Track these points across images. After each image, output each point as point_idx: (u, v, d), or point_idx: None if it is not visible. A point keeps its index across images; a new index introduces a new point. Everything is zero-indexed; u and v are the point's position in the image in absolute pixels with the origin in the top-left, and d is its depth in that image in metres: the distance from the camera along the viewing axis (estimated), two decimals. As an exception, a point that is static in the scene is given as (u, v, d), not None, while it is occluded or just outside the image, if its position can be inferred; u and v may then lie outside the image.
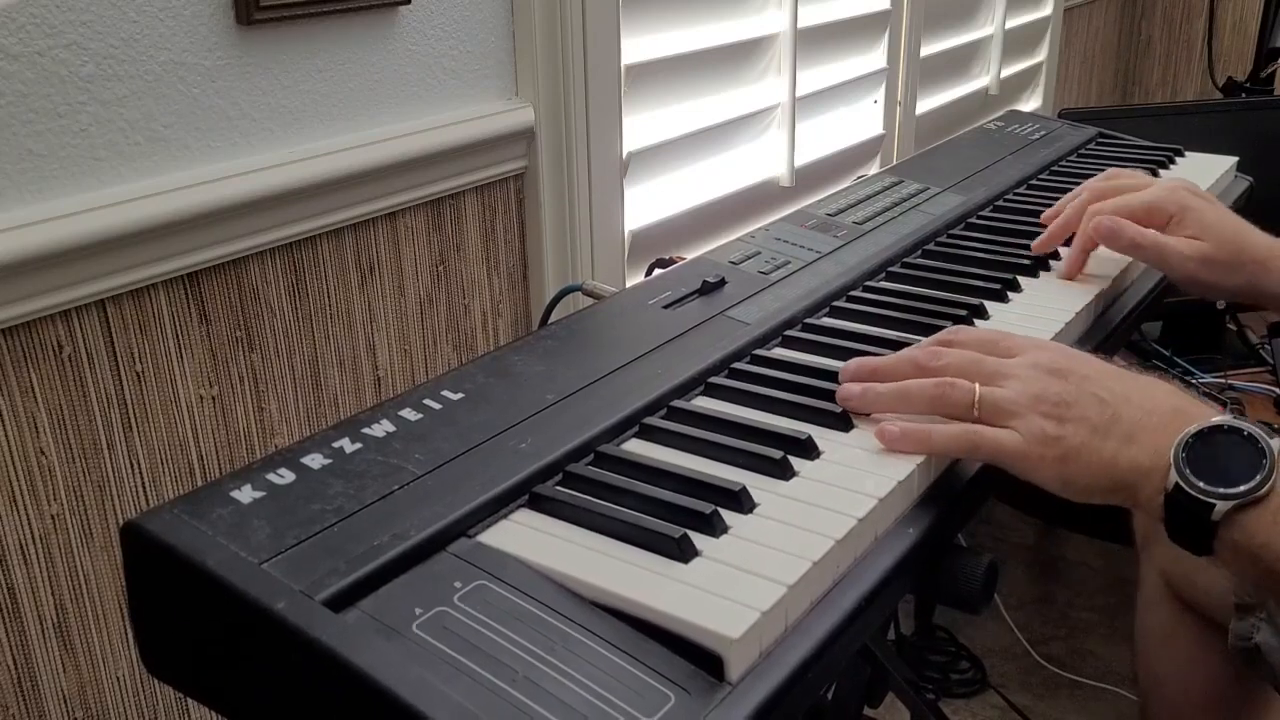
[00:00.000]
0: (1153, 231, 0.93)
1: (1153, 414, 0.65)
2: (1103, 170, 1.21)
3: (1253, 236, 0.93)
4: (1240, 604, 1.10)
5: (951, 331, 0.73)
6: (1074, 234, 0.96)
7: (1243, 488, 0.61)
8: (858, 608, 0.55)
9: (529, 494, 0.59)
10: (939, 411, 0.67)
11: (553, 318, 0.96)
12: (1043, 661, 1.94)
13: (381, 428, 0.61)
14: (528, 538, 0.56)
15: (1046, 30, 2.46)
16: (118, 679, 0.90)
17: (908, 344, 0.78)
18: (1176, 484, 0.62)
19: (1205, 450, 0.63)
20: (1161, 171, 1.25)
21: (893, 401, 0.68)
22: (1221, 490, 0.61)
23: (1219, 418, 0.64)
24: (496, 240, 1.17)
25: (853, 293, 0.88)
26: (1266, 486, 0.61)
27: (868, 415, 0.69)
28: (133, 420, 0.87)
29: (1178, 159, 1.31)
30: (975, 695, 1.89)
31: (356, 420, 0.62)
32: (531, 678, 0.46)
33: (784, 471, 0.62)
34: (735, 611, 0.50)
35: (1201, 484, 0.62)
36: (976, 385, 0.67)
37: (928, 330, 0.81)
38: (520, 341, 0.75)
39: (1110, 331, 0.89)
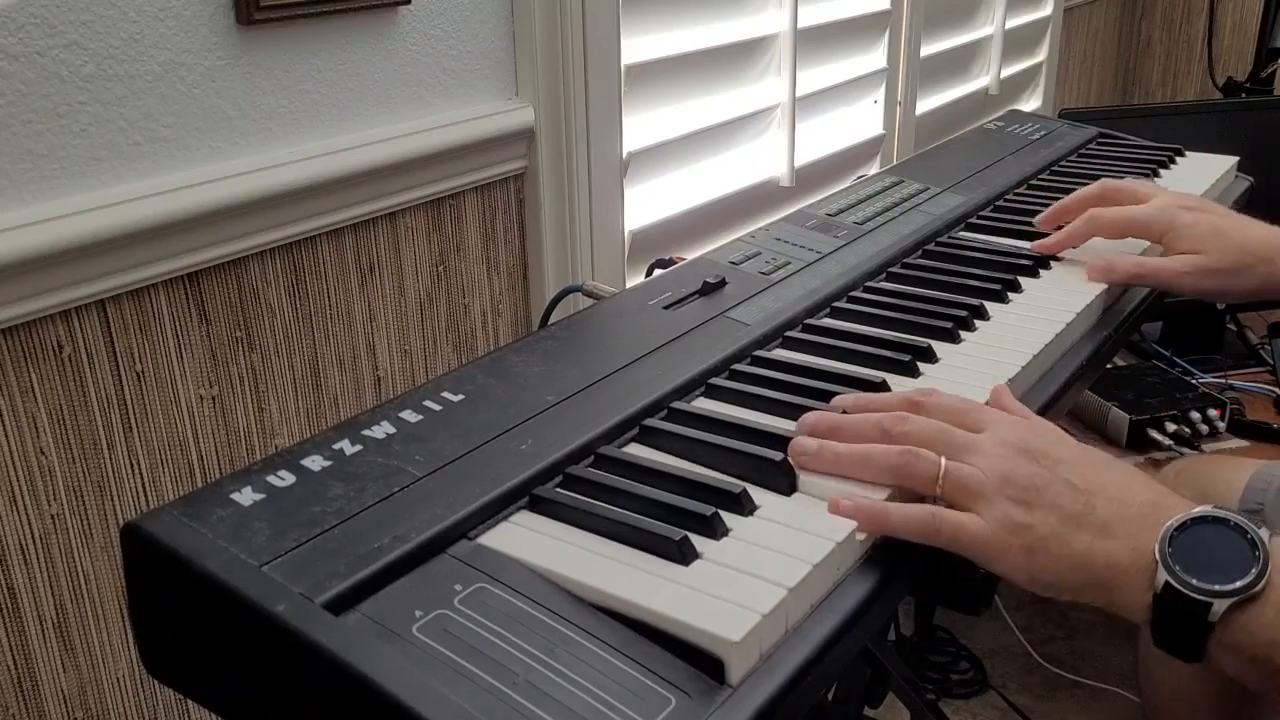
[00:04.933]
0: (1147, 259, 0.94)
1: (1129, 505, 0.60)
2: (1103, 171, 1.21)
3: (1253, 234, 0.92)
4: None
5: (922, 393, 0.67)
6: (1076, 236, 0.97)
7: (1240, 583, 0.56)
8: (858, 610, 0.55)
9: (529, 496, 0.58)
10: (900, 483, 0.61)
11: (553, 318, 0.96)
12: (1043, 661, 1.94)
13: (381, 429, 0.61)
14: (528, 540, 0.55)
15: (1046, 30, 2.46)
16: (118, 679, 0.90)
17: (908, 345, 0.78)
18: (1166, 583, 0.57)
19: (1190, 544, 0.58)
20: (1162, 172, 1.25)
21: (851, 465, 0.62)
22: (1218, 587, 0.56)
23: (1200, 509, 0.59)
24: (496, 240, 1.17)
25: (853, 293, 0.88)
26: (1263, 581, 0.56)
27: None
28: (133, 420, 0.87)
29: (1178, 159, 1.30)
30: (975, 695, 1.89)
31: (356, 422, 0.62)
32: (532, 680, 0.46)
33: (784, 474, 0.62)
34: (736, 614, 0.49)
35: (1195, 581, 0.56)
36: (943, 459, 0.61)
37: (928, 332, 0.81)
38: (520, 342, 0.75)
39: (1111, 331, 0.89)
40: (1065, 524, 0.59)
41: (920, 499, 0.62)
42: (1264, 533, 0.58)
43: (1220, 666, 0.58)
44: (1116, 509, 0.60)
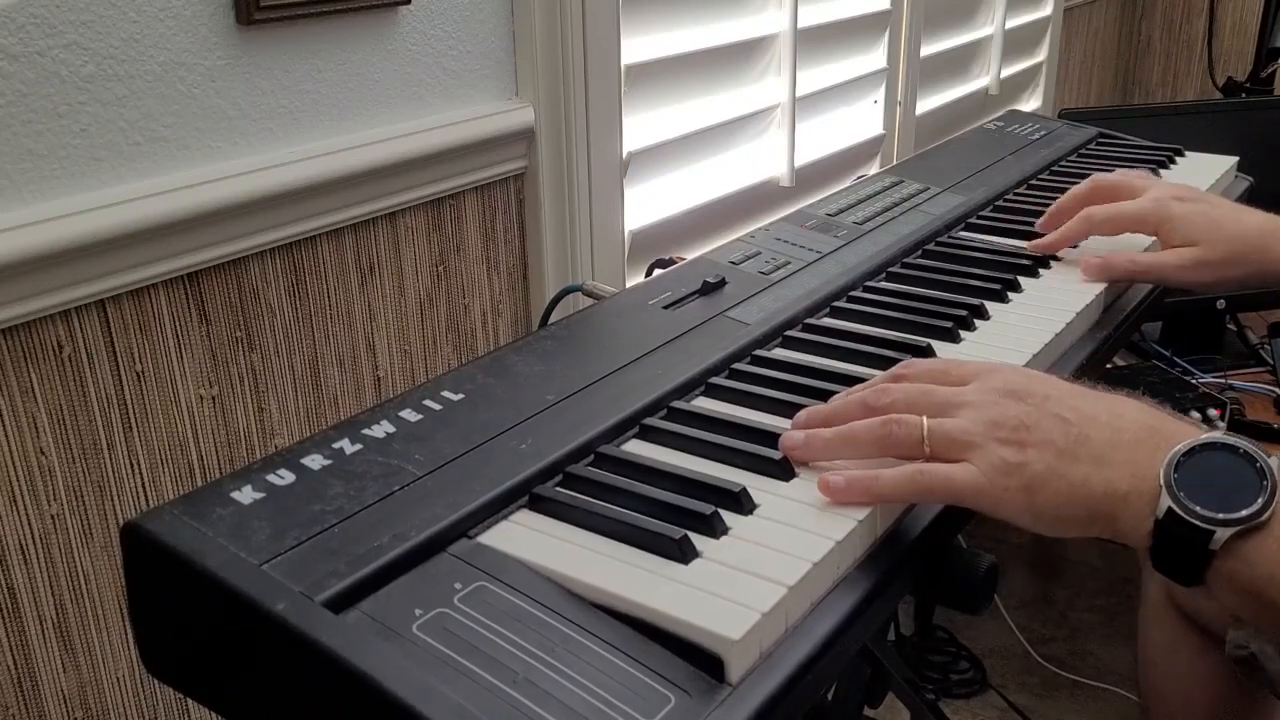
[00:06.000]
0: (1141, 255, 0.94)
1: (1123, 432, 0.59)
2: (1103, 171, 1.21)
3: (1247, 223, 0.93)
4: None
5: (903, 365, 0.67)
6: (1073, 235, 0.97)
7: (1244, 512, 0.55)
8: (858, 609, 0.55)
9: (529, 495, 0.59)
10: (887, 453, 0.61)
11: (553, 318, 0.96)
12: (1042, 661, 1.94)
13: (381, 428, 0.61)
14: (528, 539, 0.56)
15: (1046, 30, 2.46)
16: (118, 679, 0.90)
17: (908, 345, 0.78)
18: (1169, 509, 0.56)
19: (1196, 470, 0.57)
20: (1162, 172, 1.25)
21: (838, 447, 0.62)
22: (1222, 516, 0.55)
23: (1209, 434, 0.58)
24: (496, 240, 1.17)
25: (853, 293, 0.88)
26: (1269, 511, 0.55)
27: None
28: (133, 420, 0.87)
29: (1178, 159, 1.30)
30: (975, 695, 1.89)
31: (356, 421, 0.62)
32: (532, 679, 0.46)
33: (784, 473, 0.62)
34: (735, 612, 0.50)
35: (1199, 508, 0.55)
36: (924, 419, 0.61)
37: (928, 332, 0.81)
38: (520, 342, 0.75)
39: (1111, 331, 0.89)
40: (1060, 458, 0.58)
41: None
42: (1274, 461, 0.57)
43: (1216, 595, 0.57)
44: (1110, 436, 0.59)
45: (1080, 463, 0.58)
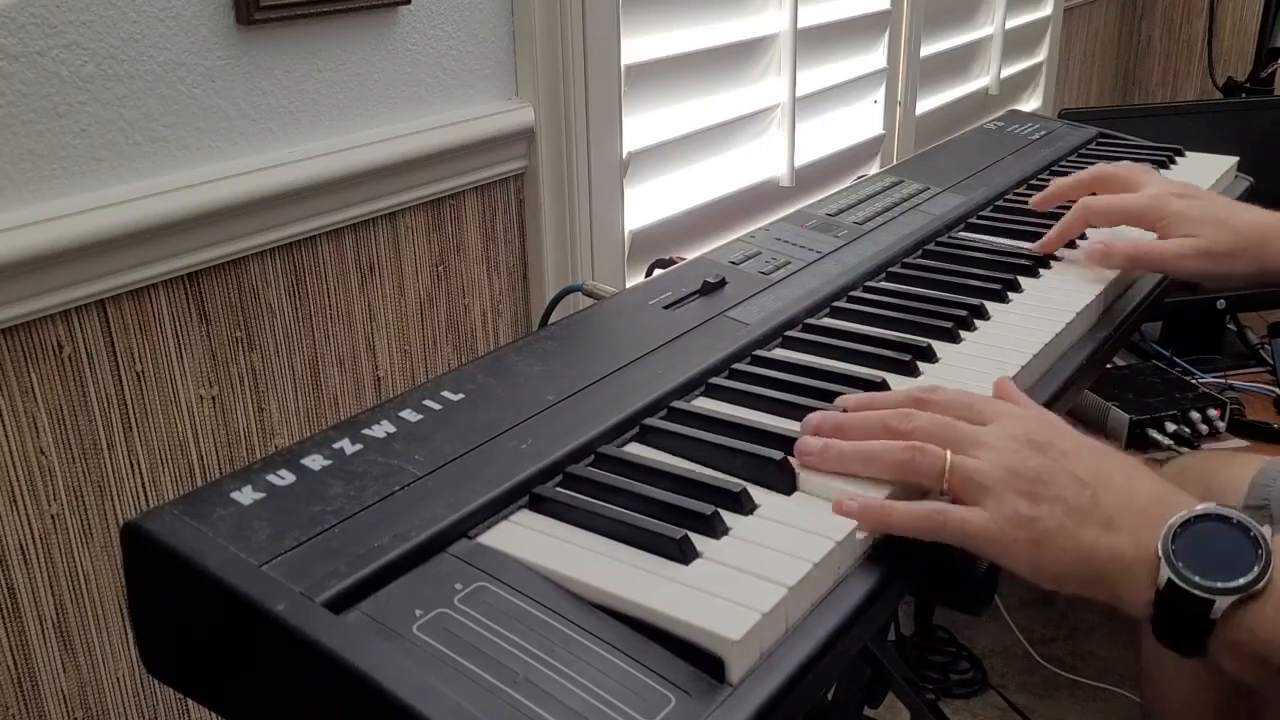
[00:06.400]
0: (1144, 241, 0.94)
1: (1134, 499, 0.60)
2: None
3: (1246, 218, 0.93)
4: None
5: (927, 390, 0.67)
6: (1071, 227, 0.98)
7: (1242, 580, 0.56)
8: (858, 609, 0.55)
9: (529, 495, 0.58)
10: (906, 478, 0.61)
11: (553, 318, 0.96)
12: (1043, 661, 1.94)
13: (382, 428, 0.61)
14: (528, 539, 0.56)
15: (1046, 30, 2.46)
16: (118, 679, 0.90)
17: (908, 345, 0.78)
18: (1169, 580, 0.57)
19: (1192, 541, 0.58)
20: (1162, 171, 1.25)
21: (854, 462, 0.61)
22: (1220, 584, 0.56)
23: (1202, 505, 0.59)
24: (496, 240, 1.17)
25: (853, 293, 0.88)
26: (1265, 579, 0.56)
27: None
28: (133, 420, 0.87)
29: (1178, 159, 1.31)
30: (975, 695, 1.89)
31: (356, 421, 0.62)
32: (532, 679, 0.46)
33: (784, 474, 0.62)
34: (736, 613, 0.50)
35: (1198, 578, 0.56)
36: (948, 453, 0.61)
37: (928, 332, 0.81)
38: (520, 342, 0.75)
39: (1111, 331, 0.89)
40: (1071, 517, 0.59)
41: (925, 494, 0.62)
42: (1266, 530, 0.58)
43: (1220, 664, 0.58)
44: (1122, 502, 0.60)
45: (1090, 525, 0.59)
